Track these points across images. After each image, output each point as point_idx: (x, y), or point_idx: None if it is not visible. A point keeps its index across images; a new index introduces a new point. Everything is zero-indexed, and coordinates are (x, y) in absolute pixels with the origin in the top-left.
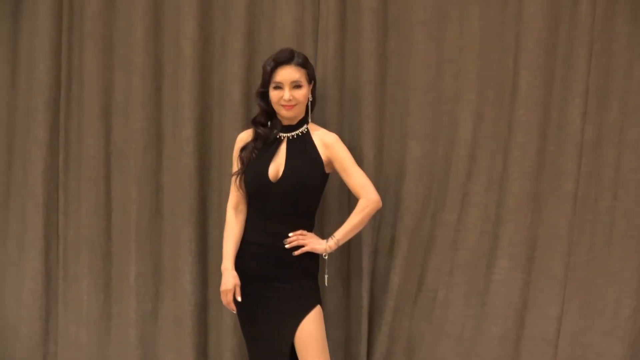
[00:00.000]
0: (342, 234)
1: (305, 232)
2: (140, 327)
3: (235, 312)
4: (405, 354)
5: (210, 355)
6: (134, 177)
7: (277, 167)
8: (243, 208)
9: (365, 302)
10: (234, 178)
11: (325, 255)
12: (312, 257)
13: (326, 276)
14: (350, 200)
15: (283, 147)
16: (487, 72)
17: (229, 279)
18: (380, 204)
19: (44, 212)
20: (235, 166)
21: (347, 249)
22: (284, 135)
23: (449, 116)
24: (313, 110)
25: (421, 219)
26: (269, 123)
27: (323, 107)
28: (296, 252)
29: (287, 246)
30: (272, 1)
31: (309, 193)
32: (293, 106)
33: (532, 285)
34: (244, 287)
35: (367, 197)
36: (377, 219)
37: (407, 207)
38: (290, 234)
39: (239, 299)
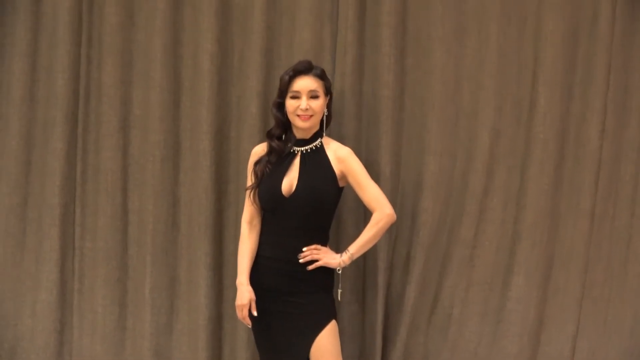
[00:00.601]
0: (356, 248)
1: (319, 246)
2: (154, 340)
3: (250, 326)
4: None
5: None
6: (151, 190)
7: (290, 181)
8: (257, 223)
9: (379, 318)
10: (248, 192)
11: (339, 270)
12: (327, 272)
13: (339, 290)
14: (365, 215)
15: (297, 162)
16: (505, 88)
17: (245, 294)
18: (394, 218)
19: (60, 224)
20: (250, 180)
21: (363, 264)
22: (298, 149)
23: (467, 132)
24: (328, 126)
25: (437, 235)
26: (283, 136)
27: (341, 121)
28: (310, 267)
29: (301, 261)
30: (291, 16)
31: (322, 207)
32: (309, 117)
33: (548, 303)
34: (259, 302)
35: (381, 211)
36: (392, 235)
37: (424, 222)
38: (304, 249)
39: (255, 313)
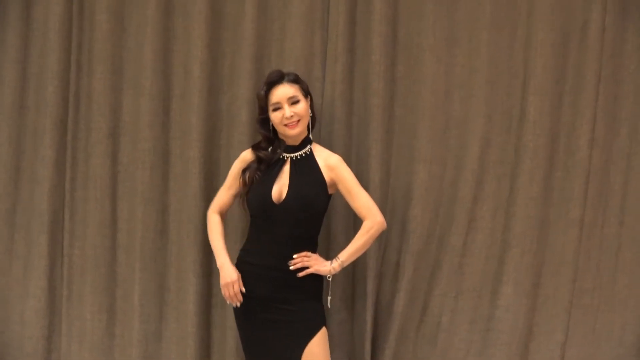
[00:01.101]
0: (346, 255)
1: (309, 253)
2: (143, 347)
3: (239, 304)
4: None
5: None
6: (140, 198)
7: (280, 188)
8: (224, 215)
9: (369, 326)
10: (224, 190)
11: (329, 277)
12: (317, 279)
13: (329, 298)
14: (355, 222)
15: (286, 168)
16: (495, 97)
17: (230, 272)
18: (384, 226)
19: (49, 231)
20: (231, 181)
21: (352, 272)
22: (288, 155)
23: (457, 140)
24: (314, 127)
25: (427, 243)
26: (270, 148)
27: (331, 129)
28: (300, 274)
29: (291, 267)
30: (282, 24)
31: (312, 214)
32: (297, 123)
33: (537, 311)
34: (248, 310)
35: (372, 219)
36: (382, 243)
37: (413, 230)
38: (294, 256)
39: (244, 290)
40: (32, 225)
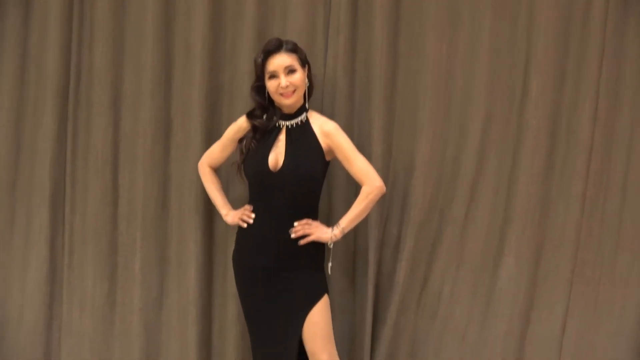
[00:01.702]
0: (346, 221)
1: (310, 221)
2: (144, 316)
3: (252, 220)
4: (410, 348)
5: (214, 344)
6: (141, 168)
7: (276, 156)
8: (217, 168)
9: (370, 296)
10: (217, 148)
11: (330, 244)
12: (318, 247)
13: (330, 264)
14: (357, 191)
15: (282, 137)
16: (497, 73)
17: (234, 215)
18: (383, 190)
19: (50, 200)
20: (225, 142)
21: (353, 242)
22: (283, 123)
23: (459, 117)
24: (311, 96)
25: (429, 214)
26: (264, 116)
27: (333, 102)
28: (302, 242)
29: (292, 235)
30: None
31: (310, 182)
32: (292, 92)
33: (539, 283)
34: (250, 279)
35: (370, 184)
36: (384, 213)
37: (415, 202)
38: (295, 224)
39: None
40: (33, 195)
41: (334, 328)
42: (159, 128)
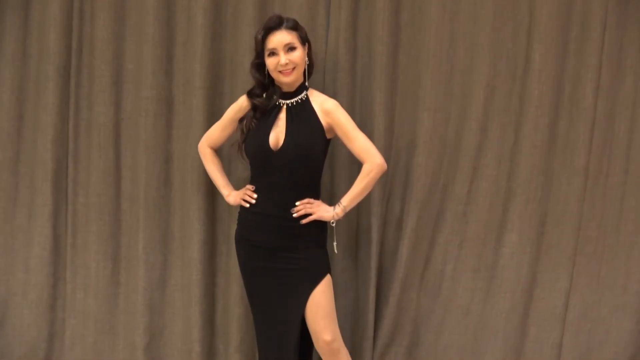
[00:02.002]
0: (348, 200)
1: (312, 200)
2: (147, 295)
3: (254, 200)
4: (413, 325)
5: (217, 323)
6: (144, 146)
7: (277, 135)
8: (218, 149)
9: (373, 274)
10: (217, 129)
11: (333, 223)
12: (321, 226)
13: (334, 243)
14: (359, 169)
15: (282, 115)
16: (500, 45)
17: (235, 195)
18: (384, 167)
19: (53, 179)
20: (225, 122)
21: (356, 220)
22: (284, 102)
23: (461, 88)
24: (311, 75)
25: (431, 191)
26: (264, 94)
27: (335, 77)
28: (304, 221)
29: (294, 215)
30: None
31: (311, 160)
32: (292, 70)
33: (542, 259)
34: (252, 259)
35: (371, 161)
36: (386, 191)
37: (417, 179)
38: (297, 203)
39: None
40: (35, 173)
41: (337, 306)
42: (160, 106)
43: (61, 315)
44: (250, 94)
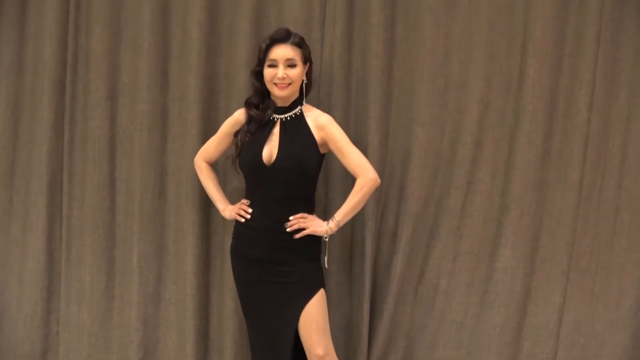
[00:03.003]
0: (342, 214)
1: (305, 214)
2: (142, 309)
3: (249, 215)
4: (407, 339)
5: (211, 337)
6: (139, 159)
7: (270, 150)
8: (213, 163)
9: (367, 288)
10: (212, 143)
11: (326, 238)
12: (315, 240)
13: (326, 258)
14: (354, 184)
15: (276, 130)
16: (494, 59)
17: (231, 210)
18: (378, 182)
19: (47, 192)
20: (221, 136)
21: (350, 234)
22: (278, 117)
23: (456, 103)
24: (308, 94)
25: (425, 205)
26: (261, 105)
27: (329, 91)
28: (297, 235)
29: (288, 229)
30: None
31: (304, 175)
32: (287, 85)
33: (535, 274)
34: (247, 272)
35: (365, 176)
36: (380, 205)
37: (412, 193)
38: (290, 218)
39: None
40: (30, 186)
41: (331, 320)
42: (155, 120)
43: (55, 329)
44: (247, 103)
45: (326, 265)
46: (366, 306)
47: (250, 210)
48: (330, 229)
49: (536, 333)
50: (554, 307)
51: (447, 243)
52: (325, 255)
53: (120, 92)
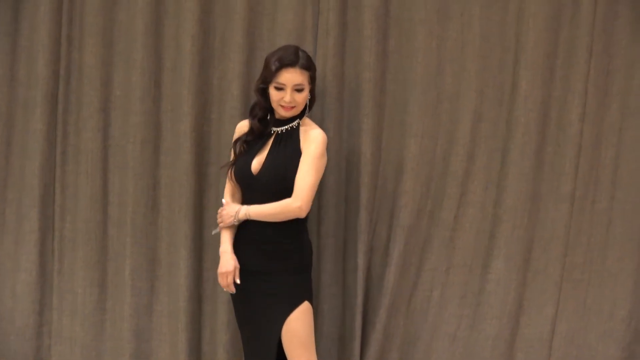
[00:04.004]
0: (255, 211)
1: (223, 208)
2: (134, 322)
3: (233, 293)
4: (400, 352)
5: (204, 350)
6: (131, 172)
7: (260, 160)
8: (239, 197)
9: (359, 300)
10: (227, 168)
11: (236, 222)
12: (302, 251)
13: (214, 231)
14: (347, 197)
15: (270, 141)
16: (487, 71)
17: (229, 261)
18: (299, 213)
19: (40, 204)
20: (232, 155)
21: (343, 246)
22: (275, 129)
23: (448, 115)
24: (311, 108)
25: (418, 217)
26: (267, 116)
27: (322, 103)
28: (218, 228)
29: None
30: None
31: (286, 186)
32: (292, 108)
33: (528, 285)
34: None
35: (294, 199)
36: (373, 217)
37: (404, 205)
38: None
39: (238, 281)
40: (23, 199)
41: (324, 332)
42: (148, 132)
43: (47, 341)
44: (252, 113)
45: (212, 233)
46: (359, 318)
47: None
48: (239, 215)
49: (529, 344)
50: (547, 318)
51: (440, 255)
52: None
53: (113, 105)
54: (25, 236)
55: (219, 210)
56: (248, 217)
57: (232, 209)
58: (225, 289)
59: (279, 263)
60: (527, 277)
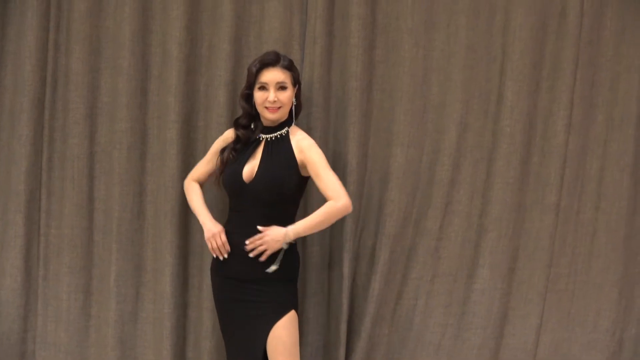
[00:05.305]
0: (302, 227)
1: (262, 234)
2: (119, 328)
3: (227, 255)
4: None
5: (188, 357)
6: (117, 178)
7: (252, 168)
8: (202, 183)
9: (345, 308)
10: (202, 164)
11: (285, 245)
12: (291, 261)
13: (274, 267)
14: None
15: (260, 149)
16: (473, 81)
17: (212, 225)
18: (349, 209)
19: (25, 210)
20: (210, 156)
21: (328, 254)
22: (264, 136)
23: (434, 124)
24: (298, 115)
25: (403, 226)
26: (251, 125)
27: (309, 112)
28: (262, 257)
29: (250, 254)
30: (260, 6)
31: (283, 195)
32: (277, 109)
33: (513, 295)
34: (223, 290)
35: (336, 199)
36: (358, 226)
37: (390, 214)
38: (247, 242)
39: (228, 247)
40: (8, 204)
41: (308, 341)
42: (134, 139)
43: (32, 347)
44: (236, 123)
45: (271, 269)
46: (343, 327)
47: (226, 256)
48: (289, 237)
49: (513, 354)
50: (531, 328)
51: (425, 264)
52: (273, 265)
53: (100, 111)
54: (10, 241)
55: (251, 240)
56: (298, 236)
57: (277, 232)
58: (216, 255)
59: (265, 272)
60: (512, 286)
